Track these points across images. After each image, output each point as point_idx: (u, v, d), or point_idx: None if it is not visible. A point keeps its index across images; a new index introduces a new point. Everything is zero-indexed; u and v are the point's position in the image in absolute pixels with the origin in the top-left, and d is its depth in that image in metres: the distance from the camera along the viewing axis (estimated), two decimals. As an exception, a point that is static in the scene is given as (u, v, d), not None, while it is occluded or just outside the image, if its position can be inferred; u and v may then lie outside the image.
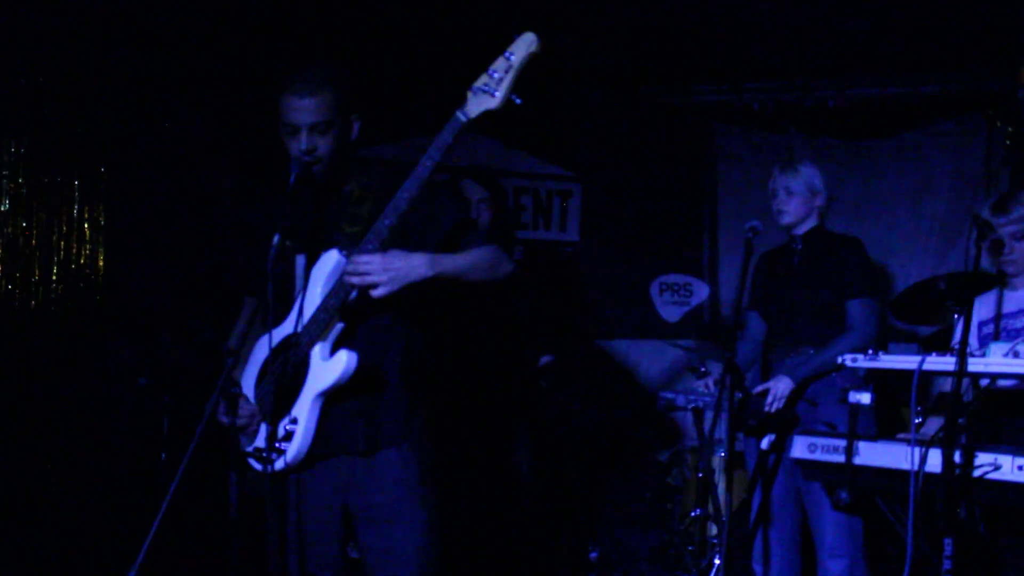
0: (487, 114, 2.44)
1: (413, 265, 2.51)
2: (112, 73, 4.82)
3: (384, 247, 2.50)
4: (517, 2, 4.40)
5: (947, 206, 5.79)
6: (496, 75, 2.40)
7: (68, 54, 4.67)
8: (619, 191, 6.27)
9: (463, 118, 2.44)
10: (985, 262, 3.36)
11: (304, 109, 2.56)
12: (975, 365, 2.85)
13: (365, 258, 2.47)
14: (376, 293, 2.49)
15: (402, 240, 2.59)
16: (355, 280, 2.48)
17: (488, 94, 2.40)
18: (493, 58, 2.43)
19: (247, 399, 2.66)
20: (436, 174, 2.50)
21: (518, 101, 2.43)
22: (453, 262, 2.60)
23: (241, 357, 2.76)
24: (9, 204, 4.57)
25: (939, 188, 5.84)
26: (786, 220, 3.87)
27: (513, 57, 2.40)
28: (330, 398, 2.59)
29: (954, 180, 5.80)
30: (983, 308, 3.55)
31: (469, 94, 2.43)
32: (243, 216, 2.89)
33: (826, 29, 5.15)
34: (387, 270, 2.47)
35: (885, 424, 3.86)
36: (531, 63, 2.41)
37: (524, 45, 2.41)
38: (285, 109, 2.59)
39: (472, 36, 4.36)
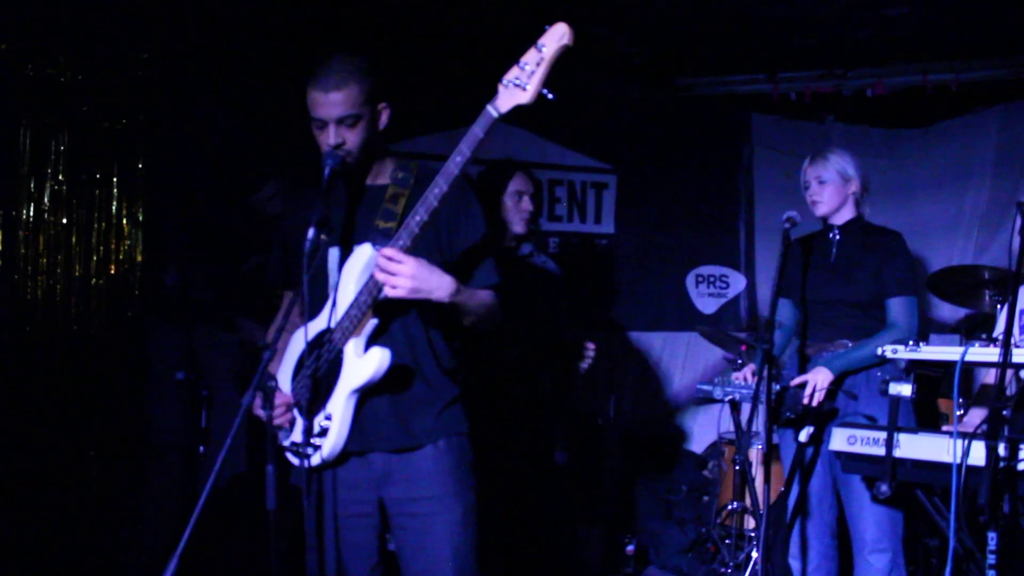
0: (519, 108, 2.38)
1: (439, 285, 2.50)
2: (150, 70, 4.86)
3: (415, 243, 2.49)
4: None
5: (989, 195, 5.69)
6: (527, 68, 2.33)
7: (106, 52, 4.72)
8: (654, 182, 6.23)
9: (494, 113, 2.38)
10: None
11: (330, 104, 2.55)
12: (1019, 356, 2.80)
13: (399, 256, 2.46)
14: (392, 293, 2.48)
15: (434, 239, 2.61)
16: (379, 276, 2.48)
17: (520, 88, 2.33)
18: (526, 49, 2.35)
19: (282, 392, 2.68)
20: (467, 169, 2.47)
21: (550, 96, 2.35)
22: (470, 300, 2.60)
23: (277, 350, 2.77)
24: (49, 201, 4.63)
25: (981, 177, 5.74)
26: (822, 211, 3.80)
27: (545, 49, 2.32)
28: (364, 395, 2.59)
29: (997, 168, 5.70)
30: (1023, 298, 3.49)
31: (500, 87, 2.36)
32: (281, 211, 2.90)
33: (864, 16, 5.08)
34: (414, 277, 2.45)
35: (923, 418, 3.81)
36: (563, 55, 2.33)
37: (555, 37, 2.32)
38: (312, 104, 2.58)
39: (513, 25, 4.36)
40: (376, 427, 2.63)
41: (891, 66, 5.74)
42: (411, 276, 2.45)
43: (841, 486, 3.68)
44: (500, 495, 3.69)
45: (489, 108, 2.39)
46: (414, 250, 2.50)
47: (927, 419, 4.44)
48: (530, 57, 2.33)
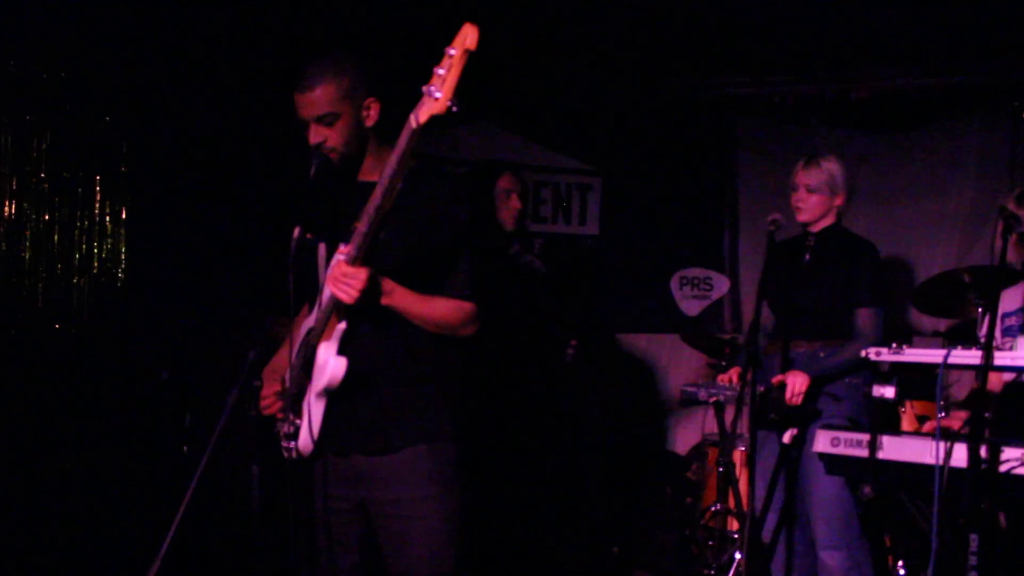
0: (437, 117, 2.24)
1: (375, 292, 2.48)
2: (133, 69, 4.84)
3: (366, 254, 2.45)
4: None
5: (972, 199, 5.72)
6: (440, 74, 2.21)
7: (90, 50, 4.70)
8: (639, 184, 6.24)
9: (413, 123, 2.28)
10: (1011, 256, 3.33)
11: (306, 103, 2.57)
12: (1002, 359, 2.82)
13: (342, 268, 2.44)
14: (342, 299, 2.48)
15: (415, 236, 2.60)
16: (331, 288, 2.47)
17: (432, 98, 2.22)
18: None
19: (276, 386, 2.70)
20: (398, 182, 2.38)
21: (454, 109, 2.21)
22: (416, 308, 2.59)
23: (287, 343, 2.78)
24: (31, 199, 4.60)
25: (964, 181, 5.77)
26: (803, 218, 3.86)
27: (453, 52, 2.20)
28: (339, 397, 2.58)
29: (979, 173, 5.73)
30: (1006, 301, 3.53)
31: (422, 96, 2.25)
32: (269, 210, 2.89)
33: (849, 20, 5.10)
34: (350, 286, 2.43)
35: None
36: (471, 60, 2.18)
37: (460, 40, 2.19)
38: (295, 105, 2.61)
39: (502, 26, 4.36)
40: (353, 430, 2.63)
41: (874, 70, 5.77)
42: (347, 283, 2.43)
43: (800, 485, 3.71)
44: (484, 496, 3.69)
45: (411, 117, 2.29)
46: (399, 248, 2.52)
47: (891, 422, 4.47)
48: (444, 62, 2.22)
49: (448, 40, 2.16)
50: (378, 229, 2.44)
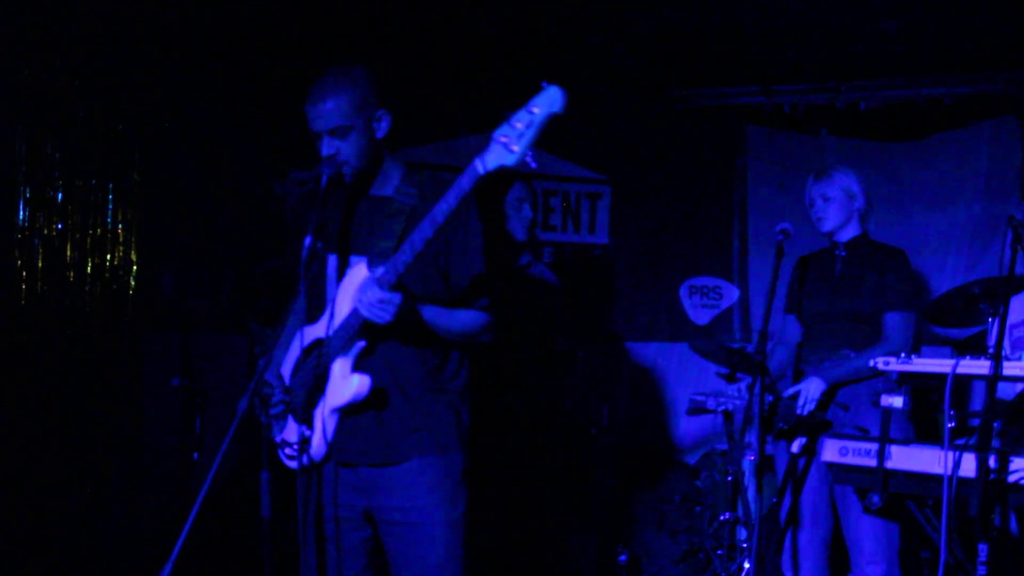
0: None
1: (407, 314, 2.53)
2: (146, 77, 4.87)
3: (401, 280, 2.51)
4: (550, 3, 4.40)
5: (981, 209, 5.72)
6: (517, 127, 2.29)
7: (103, 58, 4.73)
8: (648, 194, 6.25)
9: (480, 169, 2.36)
10: (1021, 265, 3.32)
11: (319, 116, 2.59)
12: (1011, 369, 2.82)
13: (383, 295, 2.48)
14: (376, 322, 2.52)
15: (433, 261, 2.63)
16: (363, 312, 2.51)
17: (506, 149, 2.30)
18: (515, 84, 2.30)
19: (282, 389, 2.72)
20: (453, 217, 2.44)
21: (533, 165, 2.30)
22: (441, 321, 2.64)
23: (279, 346, 2.79)
24: (45, 207, 4.63)
25: (973, 191, 5.77)
26: (826, 227, 3.83)
27: (536, 111, 2.28)
28: (348, 411, 2.63)
29: (988, 183, 5.73)
30: (1015, 312, 3.52)
31: (491, 142, 2.33)
32: (278, 212, 2.91)
33: (858, 30, 5.11)
34: (385, 311, 2.48)
35: (922, 430, 3.83)
36: (553, 121, 2.28)
37: (547, 102, 2.28)
38: (307, 118, 2.63)
39: (512, 35, 4.38)
40: (360, 443, 2.66)
41: (884, 80, 5.77)
42: (382, 308, 2.48)
43: (838, 498, 3.69)
44: (494, 504, 3.69)
45: (476, 162, 2.37)
46: (414, 271, 2.53)
47: (927, 432, 4.45)
48: (520, 117, 2.30)
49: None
50: (420, 258, 2.47)
